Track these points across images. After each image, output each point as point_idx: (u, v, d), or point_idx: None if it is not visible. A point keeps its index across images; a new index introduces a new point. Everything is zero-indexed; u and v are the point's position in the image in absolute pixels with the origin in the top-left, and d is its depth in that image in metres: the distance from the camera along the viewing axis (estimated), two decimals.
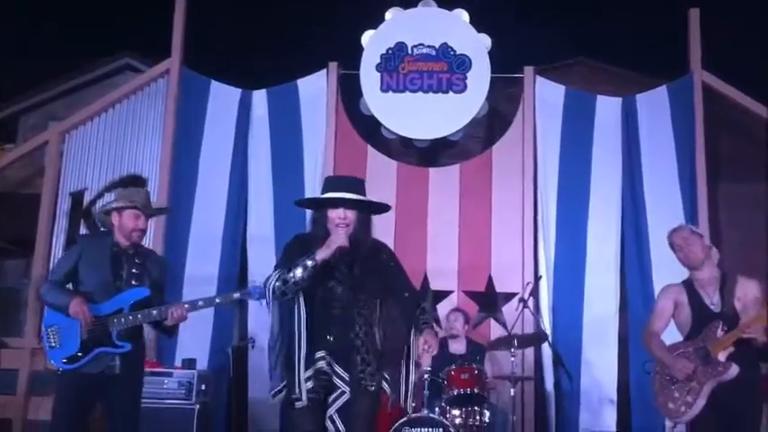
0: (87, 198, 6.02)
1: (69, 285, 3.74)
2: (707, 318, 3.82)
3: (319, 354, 3.17)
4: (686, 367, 3.76)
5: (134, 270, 3.74)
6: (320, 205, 3.31)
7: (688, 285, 3.97)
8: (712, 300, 3.87)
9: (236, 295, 3.80)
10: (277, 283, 3.14)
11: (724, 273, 3.97)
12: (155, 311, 3.65)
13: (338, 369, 3.17)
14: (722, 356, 3.71)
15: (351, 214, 3.23)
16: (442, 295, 6.07)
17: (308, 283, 3.13)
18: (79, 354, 3.59)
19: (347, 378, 3.15)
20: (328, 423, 3.15)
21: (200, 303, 3.77)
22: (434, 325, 3.43)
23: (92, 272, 3.69)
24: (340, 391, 3.16)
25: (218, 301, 3.81)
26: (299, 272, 3.10)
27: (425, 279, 6.06)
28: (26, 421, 5.86)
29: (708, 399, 3.70)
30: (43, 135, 6.74)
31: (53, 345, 3.64)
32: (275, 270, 3.20)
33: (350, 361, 3.17)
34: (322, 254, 3.13)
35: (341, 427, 3.15)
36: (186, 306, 3.69)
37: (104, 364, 3.62)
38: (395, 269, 3.40)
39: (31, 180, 7.16)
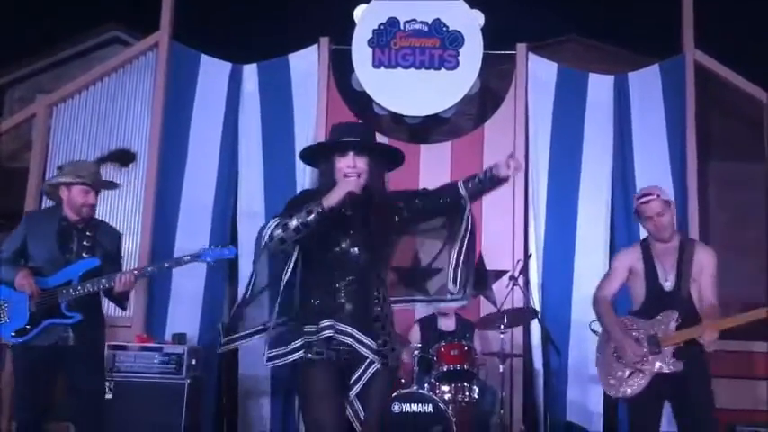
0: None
1: (22, 262, 3.72)
2: (660, 297, 3.82)
3: (327, 322, 2.77)
4: (637, 353, 3.76)
5: (85, 243, 3.73)
6: (327, 155, 2.93)
7: (645, 252, 3.93)
8: (667, 276, 3.84)
9: (187, 258, 3.81)
10: (276, 231, 2.79)
11: (682, 240, 3.95)
12: (103, 280, 3.65)
13: (364, 338, 2.77)
14: (669, 350, 3.75)
15: (361, 162, 2.86)
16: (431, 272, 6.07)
17: (309, 233, 2.75)
18: (27, 326, 3.59)
19: (372, 345, 2.78)
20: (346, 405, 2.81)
21: (150, 269, 3.79)
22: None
23: (40, 247, 3.68)
24: (368, 361, 2.77)
25: (167, 265, 3.84)
26: (302, 216, 2.75)
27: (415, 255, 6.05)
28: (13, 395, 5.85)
29: (649, 382, 3.75)
30: (31, 108, 6.65)
31: (2, 320, 3.63)
32: (273, 219, 2.86)
33: (370, 328, 2.81)
34: (329, 199, 2.77)
35: (359, 408, 2.83)
36: (135, 272, 3.71)
37: (56, 336, 3.62)
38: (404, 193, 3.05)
39: (18, 153, 7.11)
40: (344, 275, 2.83)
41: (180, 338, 5.41)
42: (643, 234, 5.87)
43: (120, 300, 3.85)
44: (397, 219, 2.98)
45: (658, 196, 3.92)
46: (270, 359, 2.94)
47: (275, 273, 2.93)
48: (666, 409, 3.90)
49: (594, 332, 4.16)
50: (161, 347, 5.25)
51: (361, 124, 3.20)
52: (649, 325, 3.83)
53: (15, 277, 3.58)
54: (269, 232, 2.82)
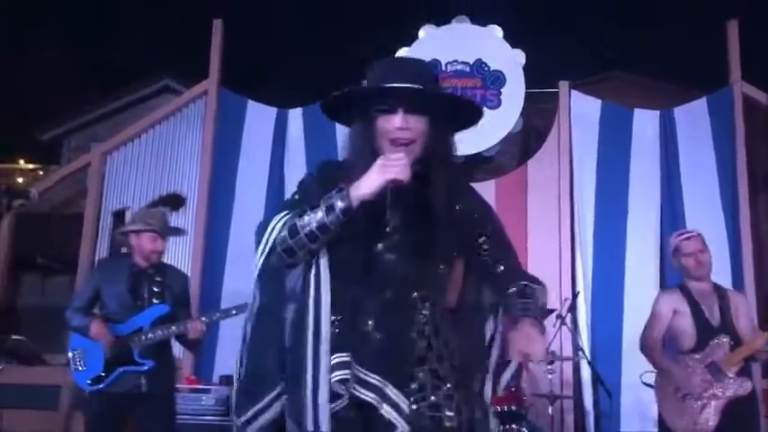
0: (129, 217, 6.15)
1: (96, 310, 3.81)
2: (709, 332, 3.80)
3: (343, 358, 1.80)
4: (704, 383, 3.72)
5: (155, 288, 3.80)
6: (364, 109, 1.93)
7: (686, 294, 3.92)
8: (712, 312, 3.84)
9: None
10: (281, 234, 1.87)
11: (716, 285, 3.96)
12: (173, 327, 3.70)
13: (390, 390, 1.78)
14: (732, 372, 3.71)
15: (418, 123, 1.88)
16: None
17: (330, 239, 1.83)
18: (102, 374, 3.66)
19: (405, 407, 1.78)
20: None
21: (217, 315, 3.83)
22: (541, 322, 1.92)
23: (112, 294, 3.76)
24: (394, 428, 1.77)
25: (233, 312, 3.86)
26: (318, 216, 1.82)
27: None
28: None
29: (723, 411, 3.68)
30: (86, 156, 6.90)
31: (79, 367, 3.71)
32: (277, 216, 1.93)
33: (409, 377, 1.82)
34: (359, 189, 1.81)
35: None
36: (204, 320, 3.74)
37: (131, 383, 3.66)
38: (494, 234, 2.02)
39: (74, 200, 7.34)
40: (374, 292, 1.86)
41: (228, 380, 5.44)
42: None
43: (192, 345, 3.90)
44: (466, 219, 1.99)
45: (699, 234, 3.97)
46: (246, 423, 1.90)
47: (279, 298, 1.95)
48: None
49: (647, 385, 4.07)
50: (209, 389, 5.29)
51: (417, 62, 2.07)
52: (704, 356, 3.79)
53: (90, 326, 3.66)
54: (270, 239, 1.91)
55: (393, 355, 1.81)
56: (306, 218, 1.83)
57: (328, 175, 1.97)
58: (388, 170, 1.79)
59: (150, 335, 3.67)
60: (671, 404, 3.84)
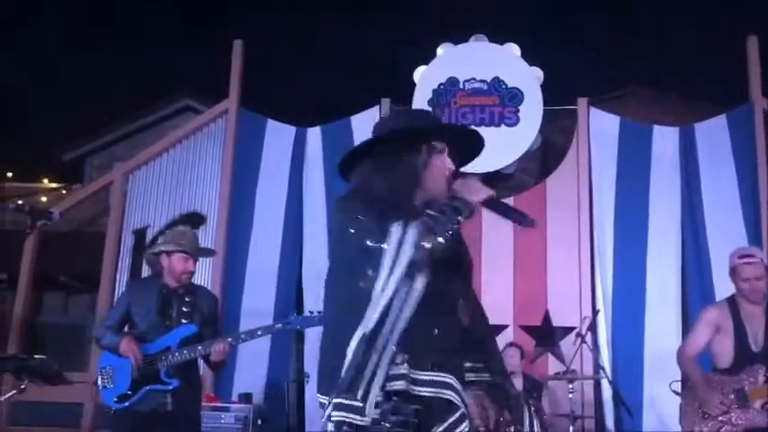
0: (150, 235, 6.20)
1: (126, 329, 3.85)
2: (747, 357, 3.71)
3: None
4: (722, 406, 3.65)
5: (184, 309, 3.81)
6: (412, 145, 2.08)
7: (734, 311, 3.83)
8: (756, 337, 3.75)
9: (278, 326, 3.86)
10: (426, 241, 1.86)
11: None
12: (200, 347, 3.71)
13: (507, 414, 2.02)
14: (758, 404, 3.62)
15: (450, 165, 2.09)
16: (497, 330, 6.00)
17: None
18: (129, 392, 3.67)
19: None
20: None
21: (243, 336, 3.83)
22: None
23: (142, 314, 3.78)
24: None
25: (259, 333, 3.86)
26: (448, 220, 1.90)
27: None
28: None
29: None
30: (108, 176, 6.99)
31: (106, 385, 3.73)
32: (385, 223, 1.91)
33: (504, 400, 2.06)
34: (478, 194, 1.99)
35: None
36: (229, 340, 3.75)
37: (156, 402, 3.67)
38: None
39: (96, 219, 7.42)
40: (456, 321, 2.03)
41: (246, 398, 5.46)
42: (717, 288, 5.78)
43: (217, 368, 3.92)
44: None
45: (762, 260, 3.86)
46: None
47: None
48: None
49: (675, 393, 4.03)
50: (228, 407, 5.31)
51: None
52: (735, 380, 3.72)
53: (120, 343, 3.68)
54: (412, 241, 1.87)
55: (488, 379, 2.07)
56: (440, 223, 1.89)
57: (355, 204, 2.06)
58: (484, 190, 2.00)
59: (177, 355, 3.70)
60: (691, 419, 3.80)
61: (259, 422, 5.28)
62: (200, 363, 3.94)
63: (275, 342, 6.17)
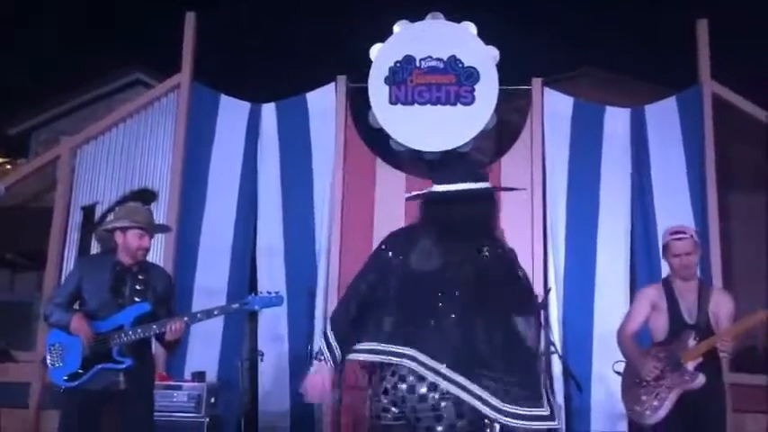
0: (99, 212, 6.07)
1: (76, 306, 3.76)
2: (682, 328, 3.89)
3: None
4: (655, 369, 3.81)
5: (137, 287, 3.75)
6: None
7: (667, 289, 3.99)
8: (690, 311, 3.90)
9: (235, 306, 3.83)
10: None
11: (701, 282, 4.04)
12: (154, 326, 3.66)
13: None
14: (691, 366, 3.78)
15: None
16: None
17: None
18: (80, 371, 3.61)
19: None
20: None
21: (199, 316, 3.79)
22: None
23: (94, 291, 3.71)
24: None
25: (216, 313, 3.83)
26: None
27: None
28: None
29: (674, 404, 3.78)
30: (55, 150, 6.79)
31: (55, 363, 3.65)
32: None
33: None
34: None
35: None
36: (185, 319, 3.71)
37: (108, 380, 3.62)
38: None
39: (43, 194, 7.22)
40: None
41: (200, 376, 5.42)
42: (664, 267, 5.92)
43: (171, 345, 3.86)
44: None
45: (691, 236, 3.99)
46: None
47: None
48: None
49: (618, 373, 4.14)
50: (180, 386, 5.26)
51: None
52: (668, 348, 3.90)
53: (70, 321, 3.60)
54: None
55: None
56: None
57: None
58: None
59: (131, 333, 3.63)
60: (630, 390, 3.96)
61: (212, 400, 5.25)
62: (153, 342, 3.89)
63: (228, 321, 6.11)
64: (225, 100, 6.64)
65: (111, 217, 3.91)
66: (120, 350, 3.64)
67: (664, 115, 6.31)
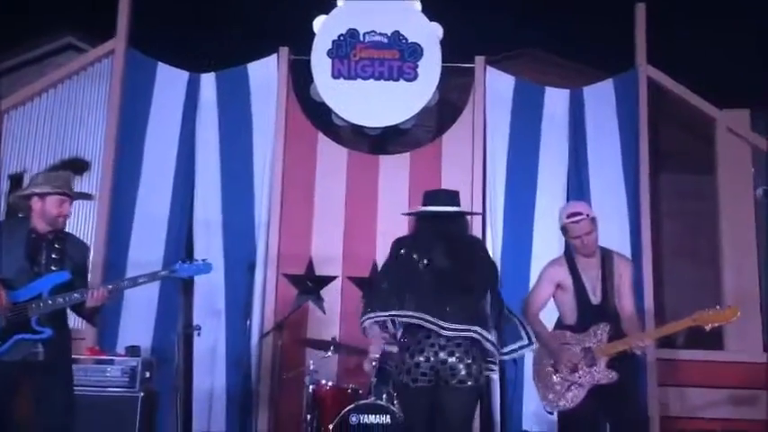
0: (27, 180, 5.84)
1: None
2: (589, 311, 3.96)
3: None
4: (572, 361, 3.88)
5: (53, 255, 3.63)
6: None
7: (572, 266, 4.03)
8: (595, 290, 3.97)
9: (163, 273, 3.76)
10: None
11: (603, 254, 4.05)
12: (75, 294, 3.56)
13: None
14: (603, 362, 3.87)
15: None
16: None
17: None
18: None
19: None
20: None
21: (124, 284, 3.72)
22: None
23: (8, 260, 3.57)
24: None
25: (141, 280, 3.75)
26: None
27: (374, 266, 6.07)
28: None
29: (586, 395, 3.87)
30: None
31: None
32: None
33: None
34: None
35: None
36: (109, 287, 3.63)
37: (26, 351, 3.52)
38: None
39: None
40: None
41: (134, 351, 5.31)
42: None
43: (91, 316, 3.75)
44: None
45: (588, 216, 4.00)
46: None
47: None
48: None
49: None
50: (113, 360, 5.16)
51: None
52: (582, 338, 3.94)
53: None
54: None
55: None
56: None
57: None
58: None
59: (50, 302, 3.52)
60: (543, 375, 4.01)
61: (147, 375, 5.16)
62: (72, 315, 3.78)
63: (163, 294, 6.01)
64: (162, 68, 6.45)
65: (27, 182, 3.76)
66: (39, 320, 3.53)
67: (601, 97, 6.44)
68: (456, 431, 3.48)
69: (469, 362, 3.43)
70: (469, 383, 3.43)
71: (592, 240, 3.99)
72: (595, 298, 3.97)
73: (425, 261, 3.54)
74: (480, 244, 3.99)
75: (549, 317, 4.21)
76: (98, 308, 3.66)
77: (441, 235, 3.61)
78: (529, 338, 3.70)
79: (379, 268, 3.87)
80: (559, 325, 4.12)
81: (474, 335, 3.43)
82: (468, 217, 4.00)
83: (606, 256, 4.04)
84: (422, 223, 3.71)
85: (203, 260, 3.86)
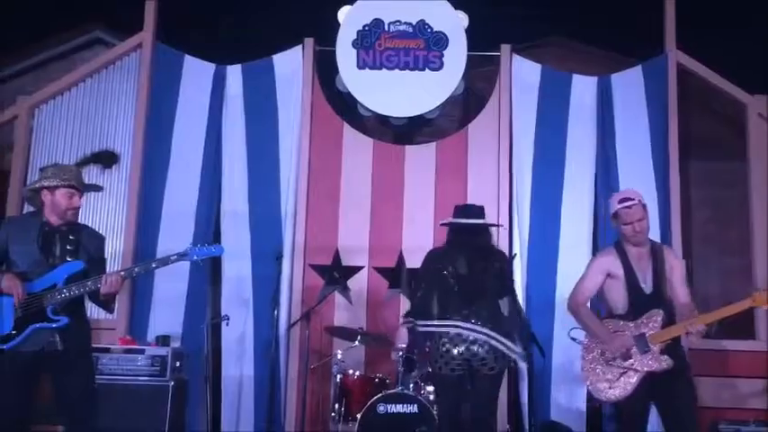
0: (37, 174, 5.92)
1: (3, 268, 3.67)
2: (641, 300, 3.87)
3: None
4: (624, 346, 3.78)
5: (68, 247, 3.67)
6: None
7: (622, 256, 3.93)
8: (646, 279, 3.88)
9: (174, 258, 3.78)
10: None
11: (653, 245, 3.99)
12: (89, 282, 3.59)
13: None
14: (658, 348, 3.78)
15: None
16: (413, 271, 6.08)
17: None
18: (13, 332, 3.53)
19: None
20: None
21: (136, 270, 3.74)
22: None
23: (22, 252, 3.62)
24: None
25: (153, 265, 3.80)
26: None
27: (401, 256, 6.08)
28: None
29: (640, 382, 3.77)
30: (12, 109, 6.58)
31: None
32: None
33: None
34: None
35: None
36: (122, 273, 3.66)
37: (44, 341, 3.56)
38: None
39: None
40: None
41: (164, 340, 5.39)
42: None
43: (107, 303, 3.79)
44: None
45: (639, 201, 3.93)
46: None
47: None
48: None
49: (574, 339, 4.15)
50: (144, 350, 5.23)
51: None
52: (635, 326, 3.85)
53: (2, 278, 3.51)
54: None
55: None
56: None
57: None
58: None
59: (65, 291, 3.57)
60: (593, 365, 3.90)
61: (177, 364, 5.23)
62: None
63: (192, 285, 6.08)
64: (189, 61, 6.50)
65: (38, 176, 3.81)
66: (55, 309, 3.58)
67: (629, 84, 6.36)
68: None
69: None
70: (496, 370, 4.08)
71: (643, 227, 3.90)
72: (647, 287, 3.88)
73: (453, 270, 4.16)
74: (505, 258, 4.62)
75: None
76: (114, 295, 3.70)
77: (469, 246, 4.24)
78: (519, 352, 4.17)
79: (416, 276, 4.51)
80: (609, 315, 4.01)
81: (486, 338, 4.02)
82: (493, 228, 4.54)
83: (656, 248, 3.99)
84: (453, 235, 4.34)
85: (215, 245, 3.91)
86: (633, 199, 3.94)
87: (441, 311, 4.12)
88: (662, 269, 3.89)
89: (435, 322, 4.12)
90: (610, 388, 3.81)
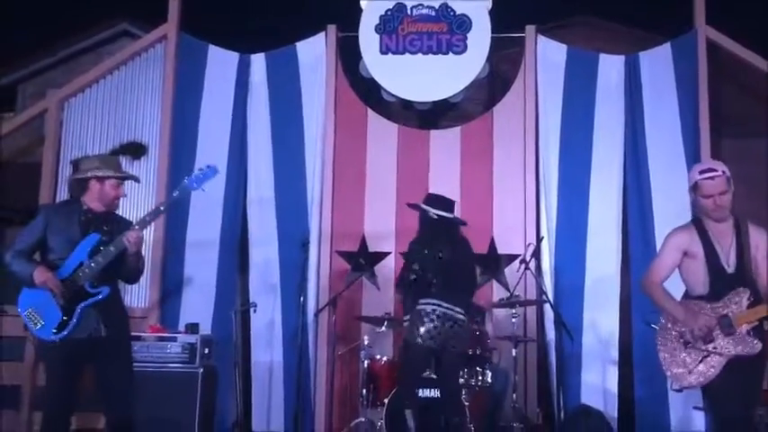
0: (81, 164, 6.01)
1: (36, 256, 3.73)
2: (724, 280, 3.47)
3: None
4: (706, 326, 3.39)
5: (105, 229, 3.74)
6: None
7: (702, 233, 3.53)
8: (729, 257, 3.48)
9: (175, 194, 3.92)
10: None
11: (736, 219, 3.57)
12: (111, 247, 3.64)
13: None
14: (744, 329, 3.39)
15: None
16: None
17: None
18: (65, 318, 3.60)
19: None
20: None
21: (148, 218, 3.82)
22: None
23: (61, 239, 3.67)
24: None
25: (162, 208, 3.93)
26: None
27: None
28: (35, 388, 5.93)
29: (725, 366, 3.39)
30: (42, 103, 6.70)
31: (37, 324, 3.61)
32: None
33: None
34: None
35: None
36: (136, 227, 3.71)
37: (91, 327, 3.63)
38: None
39: (31, 148, 7.15)
40: None
41: (193, 328, 5.44)
42: (656, 215, 5.93)
43: (137, 261, 3.81)
44: None
45: (723, 173, 3.53)
46: None
47: None
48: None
49: (649, 324, 3.89)
50: (175, 337, 5.29)
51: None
52: (719, 306, 3.45)
53: (33, 273, 3.58)
54: None
55: None
56: None
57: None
58: None
59: (93, 264, 3.63)
60: (670, 348, 3.52)
61: (206, 351, 5.29)
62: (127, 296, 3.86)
63: (220, 273, 6.15)
64: (213, 50, 6.53)
65: (84, 166, 3.86)
66: (92, 284, 3.65)
67: (658, 61, 6.23)
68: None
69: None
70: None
71: (725, 201, 3.50)
72: (729, 267, 3.47)
73: (436, 256, 4.68)
74: (469, 245, 4.99)
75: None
76: (139, 252, 3.76)
77: (445, 236, 4.79)
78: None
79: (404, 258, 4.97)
80: (687, 296, 3.61)
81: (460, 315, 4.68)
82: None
83: (741, 223, 3.55)
84: (428, 225, 4.85)
85: (207, 165, 3.97)
86: (717, 170, 3.53)
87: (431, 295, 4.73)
88: (747, 247, 3.49)
89: (423, 301, 4.67)
90: (689, 374, 3.43)
